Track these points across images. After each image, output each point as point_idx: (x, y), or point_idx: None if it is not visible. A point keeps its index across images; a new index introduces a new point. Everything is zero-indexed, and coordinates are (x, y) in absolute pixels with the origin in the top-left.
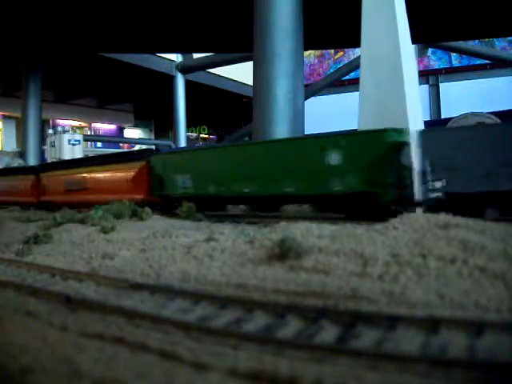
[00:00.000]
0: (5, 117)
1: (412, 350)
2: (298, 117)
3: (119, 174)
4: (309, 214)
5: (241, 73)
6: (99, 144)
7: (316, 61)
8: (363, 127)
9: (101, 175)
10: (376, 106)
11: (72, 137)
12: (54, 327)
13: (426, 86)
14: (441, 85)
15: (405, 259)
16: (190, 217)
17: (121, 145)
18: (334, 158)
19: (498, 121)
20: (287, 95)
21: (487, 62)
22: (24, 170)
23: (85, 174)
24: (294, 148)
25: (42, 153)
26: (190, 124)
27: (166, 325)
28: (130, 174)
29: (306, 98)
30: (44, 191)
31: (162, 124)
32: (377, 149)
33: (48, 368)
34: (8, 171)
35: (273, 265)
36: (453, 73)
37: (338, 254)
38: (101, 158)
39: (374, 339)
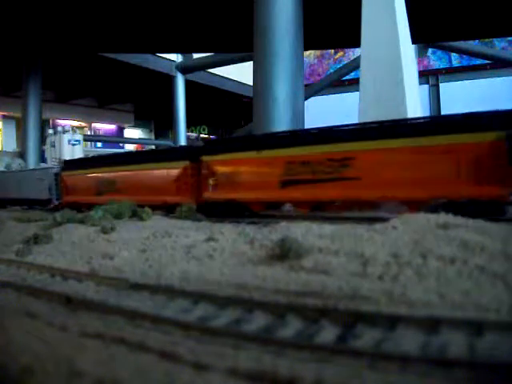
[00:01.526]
0: (5, 117)
1: (412, 350)
2: (298, 117)
3: (441, 155)
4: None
5: (241, 73)
6: (99, 144)
7: (316, 61)
8: None
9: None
10: (376, 106)
11: (72, 137)
12: (54, 327)
13: (426, 86)
14: (441, 85)
15: (405, 259)
16: (189, 217)
17: (121, 145)
18: None
19: None
20: (287, 95)
21: (487, 61)
22: (164, 154)
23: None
24: None
25: (42, 153)
26: (190, 124)
27: (166, 325)
28: (473, 153)
29: (306, 98)
30: (216, 184)
31: (162, 124)
32: None
33: (48, 368)
34: (134, 156)
35: (273, 265)
36: (453, 73)
37: (338, 254)
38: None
39: (374, 339)
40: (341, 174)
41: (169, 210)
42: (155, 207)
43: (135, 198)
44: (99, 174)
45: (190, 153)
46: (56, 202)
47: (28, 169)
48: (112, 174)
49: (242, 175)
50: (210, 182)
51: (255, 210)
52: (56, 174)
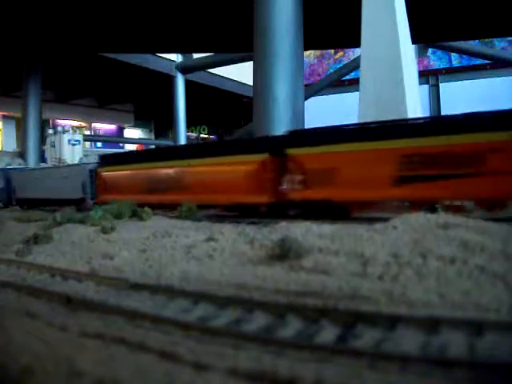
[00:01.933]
0: (5, 117)
1: (412, 350)
2: (298, 117)
3: None
4: None
5: (241, 73)
6: (99, 144)
7: (316, 61)
8: None
9: None
10: (376, 106)
11: (72, 137)
12: (54, 327)
13: (426, 86)
14: (441, 85)
15: (405, 259)
16: (190, 217)
17: (121, 145)
18: None
19: None
20: (287, 95)
21: (487, 61)
22: (237, 146)
23: None
24: None
25: (42, 153)
26: (190, 124)
27: (166, 325)
28: None
29: (306, 98)
30: (307, 181)
31: (162, 124)
32: None
33: (48, 368)
34: (197, 149)
35: (273, 265)
36: (453, 73)
37: (338, 254)
38: None
39: (374, 339)
40: (474, 169)
41: (242, 211)
42: (226, 208)
43: (198, 198)
44: (150, 170)
45: (271, 145)
46: (91, 202)
47: (58, 165)
48: (168, 170)
49: (343, 171)
50: (299, 178)
51: (356, 211)
52: (91, 171)
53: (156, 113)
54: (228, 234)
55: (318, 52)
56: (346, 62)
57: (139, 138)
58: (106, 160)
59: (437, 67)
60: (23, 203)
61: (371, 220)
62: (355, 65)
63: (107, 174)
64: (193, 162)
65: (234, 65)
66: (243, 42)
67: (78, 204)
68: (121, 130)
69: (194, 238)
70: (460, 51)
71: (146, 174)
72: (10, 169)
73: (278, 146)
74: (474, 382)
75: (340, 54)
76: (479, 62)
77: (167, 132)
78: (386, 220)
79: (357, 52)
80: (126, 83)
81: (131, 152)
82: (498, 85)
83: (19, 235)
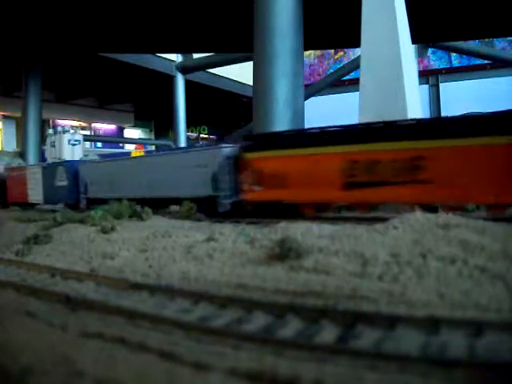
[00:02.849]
0: (5, 117)
1: (412, 350)
2: (298, 117)
3: None
4: None
5: (241, 73)
6: (99, 144)
7: (316, 61)
8: None
9: None
10: (376, 106)
11: (72, 137)
12: (54, 327)
13: (426, 86)
14: (441, 85)
15: (405, 259)
16: (190, 217)
17: (121, 145)
18: None
19: None
20: (287, 95)
21: (487, 61)
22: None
23: None
24: None
25: (42, 153)
26: (190, 124)
27: (166, 325)
28: None
29: (306, 98)
30: None
31: (162, 124)
32: None
33: (48, 368)
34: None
35: (273, 265)
36: (453, 73)
37: (338, 254)
38: None
39: (374, 339)
40: None
41: None
42: None
43: (457, 193)
44: (351, 156)
45: None
46: (227, 202)
47: (170, 151)
48: (389, 156)
49: None
50: None
51: None
52: (229, 158)
53: (156, 113)
54: (228, 233)
55: (318, 52)
56: (346, 62)
57: (139, 138)
58: (261, 141)
59: (437, 67)
60: (99, 204)
61: (371, 220)
62: (355, 65)
63: (264, 161)
64: (445, 142)
65: (234, 65)
66: (243, 41)
67: (204, 205)
68: (121, 129)
69: (194, 237)
70: (460, 51)
71: (343, 161)
72: (76, 161)
73: None
74: (474, 382)
75: (340, 53)
76: (479, 61)
77: (167, 132)
78: (385, 220)
79: (357, 52)
80: (126, 83)
81: (311, 130)
82: (498, 85)
83: (19, 235)
